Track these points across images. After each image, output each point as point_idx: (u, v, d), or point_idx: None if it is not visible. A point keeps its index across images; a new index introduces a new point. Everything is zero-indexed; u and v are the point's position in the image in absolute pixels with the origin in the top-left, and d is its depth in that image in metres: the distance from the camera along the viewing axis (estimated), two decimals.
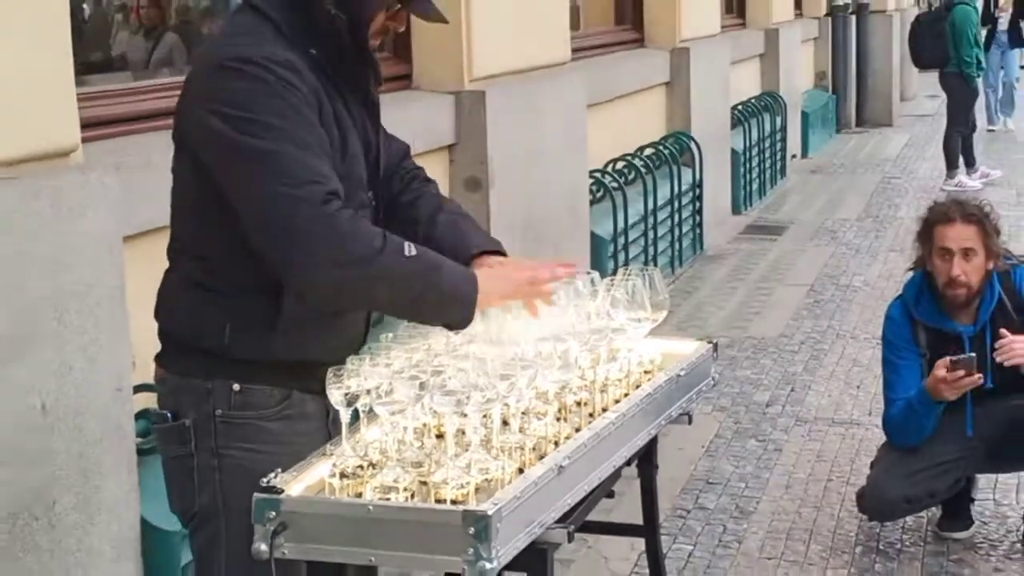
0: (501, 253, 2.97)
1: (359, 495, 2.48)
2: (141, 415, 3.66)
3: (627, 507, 3.33)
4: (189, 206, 2.78)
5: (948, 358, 4.64)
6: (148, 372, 3.03)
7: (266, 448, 2.76)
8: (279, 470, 2.54)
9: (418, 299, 2.68)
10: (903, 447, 4.84)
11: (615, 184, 8.50)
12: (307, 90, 2.65)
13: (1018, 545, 4.94)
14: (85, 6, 5.66)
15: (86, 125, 3.75)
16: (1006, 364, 4.66)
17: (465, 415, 2.55)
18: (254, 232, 2.62)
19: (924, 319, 4.86)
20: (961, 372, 4.58)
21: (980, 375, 4.59)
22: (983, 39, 15.97)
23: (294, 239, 2.57)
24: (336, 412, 2.84)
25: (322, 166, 2.61)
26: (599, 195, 8.34)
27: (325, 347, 2.79)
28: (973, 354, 4.63)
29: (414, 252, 2.65)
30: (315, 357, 2.78)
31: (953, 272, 4.70)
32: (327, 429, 2.88)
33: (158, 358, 2.88)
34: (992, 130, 17.19)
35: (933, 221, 4.80)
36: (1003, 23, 17.48)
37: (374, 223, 2.85)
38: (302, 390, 2.82)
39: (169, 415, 2.81)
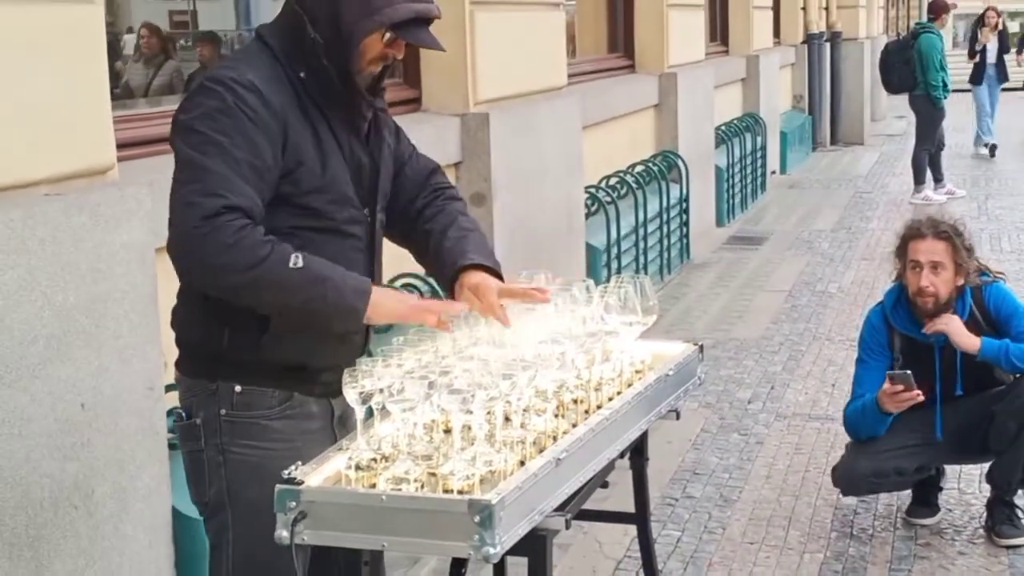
0: (496, 272, 2.91)
1: (373, 486, 2.48)
2: (171, 412, 3.66)
3: (620, 496, 3.33)
4: None
5: (888, 373, 4.69)
6: None
7: (268, 445, 2.76)
8: (299, 463, 2.53)
9: (305, 306, 2.64)
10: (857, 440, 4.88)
11: (608, 198, 8.50)
12: (267, 113, 2.64)
13: (980, 531, 4.93)
14: (122, 42, 5.69)
15: (121, 146, 3.75)
16: (928, 332, 4.73)
17: (470, 412, 2.55)
18: (168, 232, 2.63)
19: (899, 327, 4.87)
20: (900, 387, 4.60)
21: (919, 392, 4.60)
22: (971, 74, 16.19)
23: (184, 243, 2.58)
24: (342, 413, 2.86)
25: (237, 183, 2.58)
26: (594, 208, 8.33)
27: (324, 353, 2.78)
28: (909, 372, 4.65)
29: (300, 264, 2.60)
30: (315, 362, 2.78)
31: (921, 283, 4.70)
32: (332, 430, 2.87)
33: (176, 362, 2.89)
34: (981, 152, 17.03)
35: (907, 237, 4.81)
36: (991, 55, 17.18)
37: (369, 239, 2.85)
38: (304, 393, 2.81)
39: (184, 414, 2.83)
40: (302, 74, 2.72)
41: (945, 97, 13.39)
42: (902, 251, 4.83)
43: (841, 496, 5.18)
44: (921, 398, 4.62)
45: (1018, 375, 4.75)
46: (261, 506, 2.54)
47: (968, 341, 4.70)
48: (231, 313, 2.70)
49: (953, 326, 4.71)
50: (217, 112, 2.61)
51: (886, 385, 4.65)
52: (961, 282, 4.74)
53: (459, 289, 2.87)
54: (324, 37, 2.69)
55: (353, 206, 2.82)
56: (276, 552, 2.46)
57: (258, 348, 2.72)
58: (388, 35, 2.72)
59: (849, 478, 4.93)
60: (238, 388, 2.76)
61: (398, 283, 4.98)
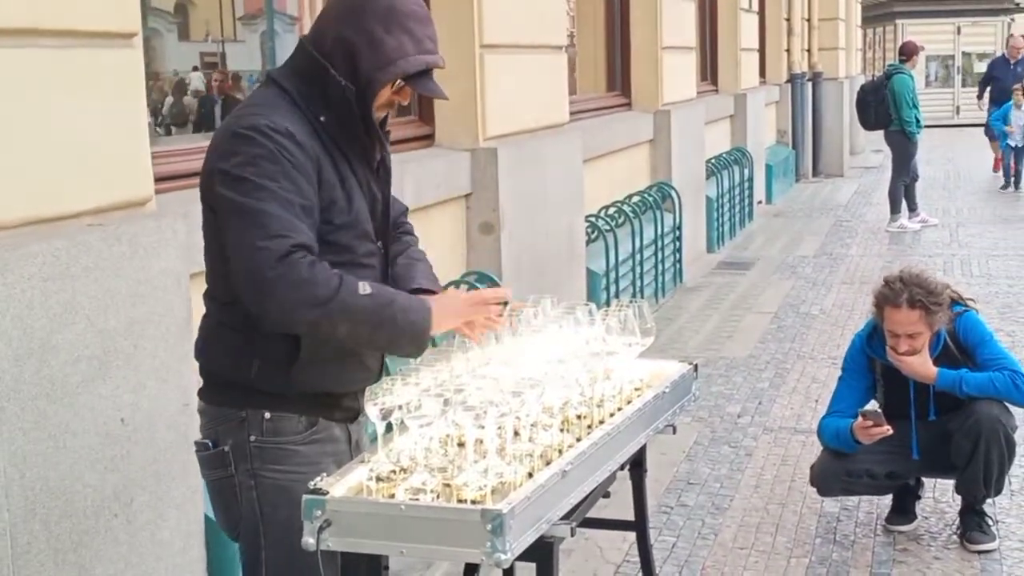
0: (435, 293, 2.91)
1: (392, 496, 2.48)
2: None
3: (619, 505, 3.33)
4: (213, 256, 2.74)
5: (859, 410, 4.70)
6: None
7: (296, 469, 2.72)
8: (324, 474, 2.54)
9: (376, 331, 2.62)
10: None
11: (607, 226, 8.51)
12: (303, 157, 2.61)
13: (954, 538, 4.92)
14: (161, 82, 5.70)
15: (159, 179, 3.77)
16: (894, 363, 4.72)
17: (483, 427, 2.56)
18: (235, 278, 2.58)
19: (877, 356, 4.86)
20: (871, 423, 4.61)
21: (888, 427, 4.60)
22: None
23: (262, 286, 2.52)
24: (358, 439, 2.85)
25: (296, 222, 2.55)
26: (593, 236, 8.34)
27: (344, 380, 2.77)
28: (879, 410, 4.68)
29: (368, 290, 2.59)
30: (336, 389, 2.77)
31: (900, 349, 4.69)
32: (350, 454, 2.84)
33: (199, 392, 2.85)
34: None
35: (882, 300, 4.70)
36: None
37: (383, 268, 2.84)
38: (328, 418, 2.79)
39: (210, 443, 2.77)
40: (322, 118, 2.69)
41: (918, 132, 13.41)
42: (879, 309, 4.75)
43: (823, 503, 5.17)
44: (890, 432, 4.62)
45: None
46: (292, 527, 2.53)
47: (923, 371, 4.69)
48: (260, 345, 2.67)
49: (906, 364, 4.70)
50: (260, 159, 2.56)
51: (859, 420, 4.66)
52: (937, 328, 4.71)
53: None
54: (353, 85, 2.68)
55: (371, 240, 2.81)
56: (309, 569, 2.44)
57: (287, 377, 2.69)
58: (397, 83, 2.72)
59: (823, 477, 4.93)
60: (267, 415, 2.72)
61: None
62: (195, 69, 6.48)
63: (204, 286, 2.97)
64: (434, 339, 2.73)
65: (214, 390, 2.79)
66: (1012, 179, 16.43)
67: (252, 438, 2.72)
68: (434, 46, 2.74)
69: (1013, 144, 16.28)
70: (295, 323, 2.58)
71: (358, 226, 2.75)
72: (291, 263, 2.51)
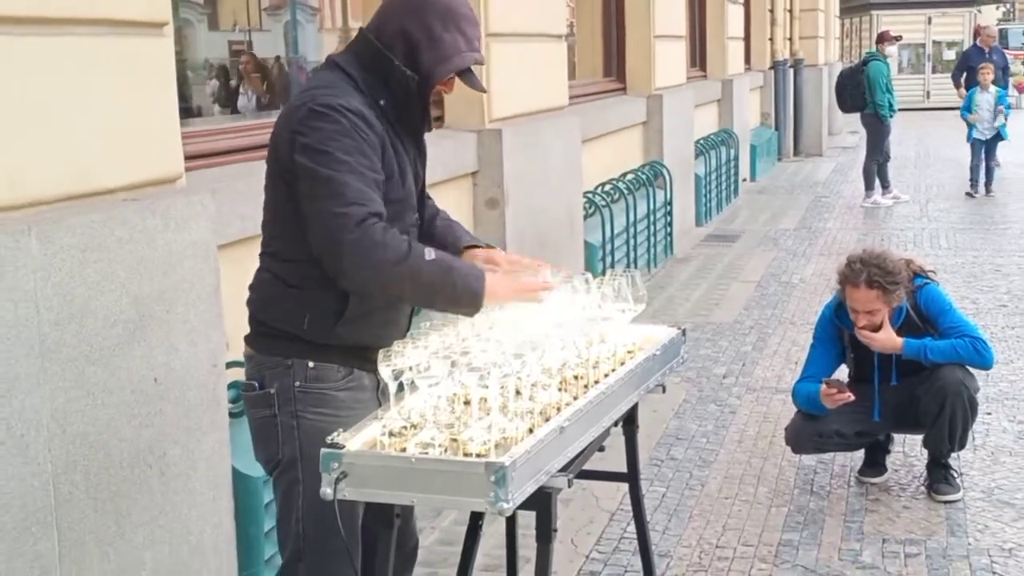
0: (487, 246, 3.04)
1: (403, 450, 2.48)
2: (232, 386, 3.67)
3: (613, 458, 3.33)
4: (277, 219, 2.80)
5: (824, 379, 4.72)
6: (238, 351, 3.04)
7: (334, 412, 2.78)
8: (341, 429, 2.54)
9: (437, 293, 2.67)
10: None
11: (603, 202, 8.49)
12: (373, 135, 2.68)
13: (922, 488, 4.93)
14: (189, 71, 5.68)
15: (189, 158, 3.75)
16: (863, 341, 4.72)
17: (487, 386, 2.55)
18: (314, 240, 2.64)
19: (844, 326, 4.85)
20: (835, 390, 4.63)
21: (850, 394, 4.62)
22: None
23: (340, 248, 2.58)
24: (384, 384, 2.86)
25: (371, 192, 2.62)
26: (591, 211, 8.33)
27: (380, 336, 2.80)
28: (842, 379, 4.74)
29: (433, 256, 2.66)
30: (371, 343, 2.79)
31: (859, 324, 4.69)
32: (377, 398, 2.89)
33: (247, 338, 2.89)
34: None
35: (843, 279, 4.69)
36: None
37: (418, 237, 2.89)
38: (360, 368, 2.84)
39: (256, 384, 2.83)
40: (382, 102, 2.76)
41: (891, 115, 13.34)
42: (841, 289, 4.74)
43: (800, 457, 5.18)
44: (852, 399, 4.63)
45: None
46: None
47: (890, 344, 4.69)
48: (313, 301, 2.73)
49: (875, 341, 4.69)
50: (337, 134, 2.62)
51: (823, 388, 4.66)
52: (895, 305, 4.69)
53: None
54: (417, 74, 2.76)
55: (414, 210, 2.89)
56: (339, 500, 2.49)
57: (333, 331, 2.75)
58: (448, 76, 2.80)
59: (796, 436, 4.94)
60: (311, 364, 2.78)
61: None
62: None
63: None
64: None
65: (264, 338, 2.84)
66: (980, 182, 13.72)
67: (297, 384, 2.78)
68: (480, 45, 2.86)
69: (981, 137, 13.71)
70: (370, 282, 2.63)
71: (408, 199, 2.83)
72: (367, 228, 2.57)
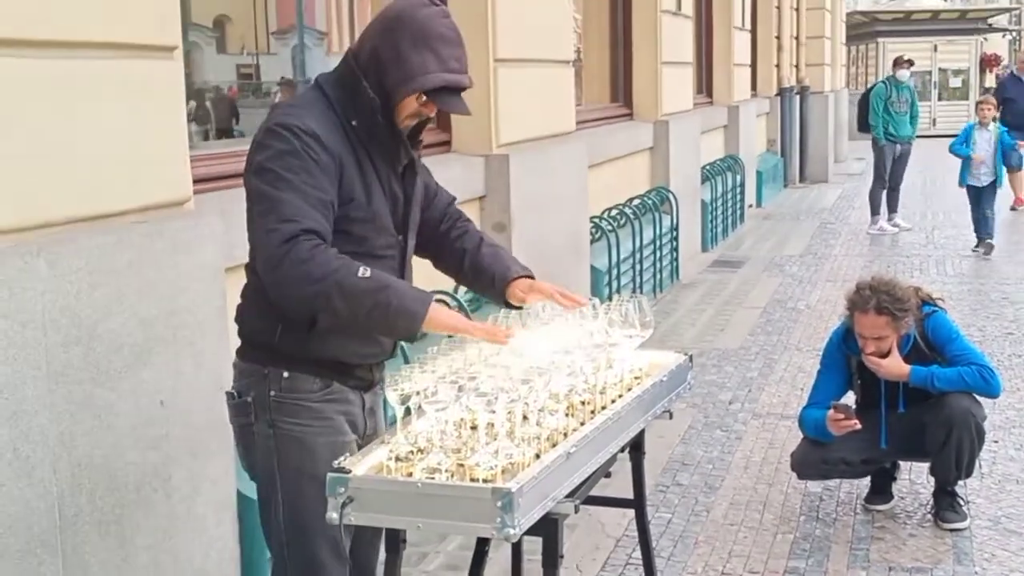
0: (531, 276, 3.02)
1: (410, 474, 2.48)
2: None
3: (620, 484, 3.31)
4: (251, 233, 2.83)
5: (832, 403, 4.68)
6: None
7: (308, 423, 2.78)
8: (348, 454, 2.54)
9: (369, 311, 2.60)
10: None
11: (610, 227, 8.50)
12: (326, 156, 2.67)
13: (928, 516, 4.90)
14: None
15: (197, 181, 3.76)
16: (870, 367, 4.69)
17: (494, 411, 2.55)
18: (252, 254, 2.70)
19: (852, 353, 4.84)
20: (842, 416, 4.60)
21: (856, 421, 4.59)
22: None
23: (269, 262, 2.60)
24: (372, 406, 2.88)
25: (309, 211, 2.61)
26: (597, 236, 8.33)
27: (356, 352, 2.82)
28: (850, 405, 4.70)
29: (367, 274, 2.60)
30: (348, 359, 2.81)
31: (867, 350, 4.68)
32: (364, 418, 2.90)
33: (236, 349, 2.91)
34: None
35: (852, 305, 4.68)
36: None
37: (400, 260, 2.89)
38: (342, 383, 2.84)
39: (235, 394, 2.84)
40: (354, 122, 2.75)
41: (887, 140, 13.15)
42: (850, 315, 4.72)
43: (807, 483, 5.16)
44: (858, 427, 4.60)
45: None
46: (304, 472, 2.70)
47: (897, 371, 4.68)
48: (284, 313, 2.73)
49: (883, 368, 4.68)
50: (286, 154, 2.64)
51: (831, 412, 4.64)
52: (903, 333, 4.68)
53: (513, 293, 2.98)
54: (374, 94, 2.74)
55: (390, 233, 2.85)
56: (317, 508, 2.50)
57: (305, 342, 2.75)
58: (422, 97, 2.75)
59: (802, 462, 4.92)
60: (285, 374, 2.78)
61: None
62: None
63: (239, 279, 2.97)
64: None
65: (246, 348, 2.87)
66: (986, 237, 11.50)
67: (272, 392, 2.79)
68: (459, 66, 2.75)
69: (976, 184, 11.54)
70: (293, 297, 2.62)
71: (376, 220, 2.80)
72: (295, 243, 2.57)
